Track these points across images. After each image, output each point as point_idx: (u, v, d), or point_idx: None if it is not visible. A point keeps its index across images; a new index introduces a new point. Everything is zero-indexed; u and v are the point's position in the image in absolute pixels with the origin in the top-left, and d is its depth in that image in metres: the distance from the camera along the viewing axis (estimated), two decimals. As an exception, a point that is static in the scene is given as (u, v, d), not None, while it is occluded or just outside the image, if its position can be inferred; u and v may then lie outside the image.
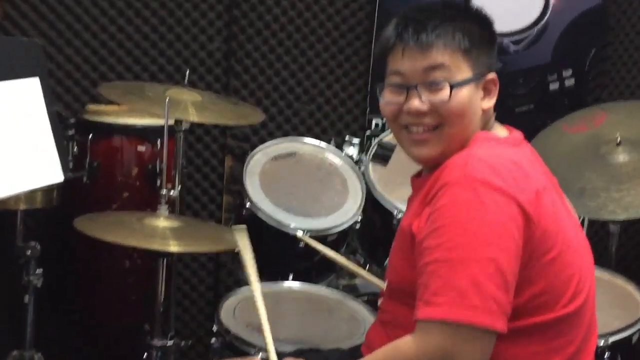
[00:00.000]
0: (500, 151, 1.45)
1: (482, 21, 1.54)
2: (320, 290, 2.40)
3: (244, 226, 2.07)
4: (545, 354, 1.43)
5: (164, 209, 2.20)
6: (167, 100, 2.17)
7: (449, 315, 1.32)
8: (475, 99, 1.50)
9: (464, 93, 1.48)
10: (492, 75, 1.52)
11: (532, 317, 1.41)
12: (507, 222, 1.34)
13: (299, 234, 2.40)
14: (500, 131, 1.57)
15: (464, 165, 1.39)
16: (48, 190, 2.40)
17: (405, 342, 1.39)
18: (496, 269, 1.32)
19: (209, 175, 3.15)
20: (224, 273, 3.15)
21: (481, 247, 1.33)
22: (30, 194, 2.35)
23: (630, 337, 2.17)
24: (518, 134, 1.58)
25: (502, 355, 1.40)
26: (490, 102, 1.52)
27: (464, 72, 1.48)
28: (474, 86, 1.49)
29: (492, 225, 1.33)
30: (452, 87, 1.47)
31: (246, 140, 3.12)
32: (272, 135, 3.11)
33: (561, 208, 1.49)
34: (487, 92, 1.52)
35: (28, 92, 1.91)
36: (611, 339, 2.12)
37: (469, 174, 1.37)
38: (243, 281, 2.57)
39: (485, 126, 1.54)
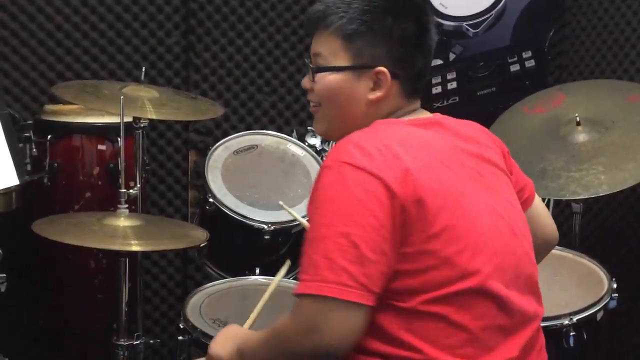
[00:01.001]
0: (378, 133, 1.50)
1: (385, 15, 1.55)
2: (287, 283, 2.40)
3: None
4: (445, 330, 1.44)
5: (124, 208, 2.18)
6: (121, 98, 2.15)
7: (307, 290, 1.38)
8: (352, 87, 1.56)
9: (331, 79, 1.57)
10: (380, 69, 1.55)
11: (425, 292, 1.42)
12: (367, 199, 1.38)
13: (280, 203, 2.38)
14: (417, 117, 1.60)
15: (337, 149, 1.46)
16: (6, 193, 2.37)
17: (285, 317, 1.45)
18: (350, 243, 1.36)
19: (173, 171, 3.13)
20: (192, 268, 3.13)
21: (337, 223, 1.38)
22: (-12, 199, 2.32)
23: (594, 314, 2.19)
24: (428, 117, 1.60)
25: (403, 332, 1.43)
26: (377, 94, 1.56)
27: (341, 60, 1.56)
28: (353, 75, 1.56)
29: (350, 202, 1.39)
30: (316, 72, 1.58)
31: (209, 134, 3.10)
32: (234, 128, 3.10)
33: (461, 184, 1.49)
34: (377, 84, 1.56)
35: (-23, 96, 1.88)
36: (576, 318, 2.14)
37: (338, 157, 1.43)
38: (212, 276, 2.57)
39: (386, 116, 1.58)
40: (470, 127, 1.64)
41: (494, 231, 1.50)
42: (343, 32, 1.55)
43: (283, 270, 2.02)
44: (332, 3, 1.57)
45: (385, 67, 1.54)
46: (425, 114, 1.63)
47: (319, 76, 1.58)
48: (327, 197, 1.41)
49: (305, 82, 1.63)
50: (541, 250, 1.73)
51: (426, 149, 1.49)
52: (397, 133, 1.50)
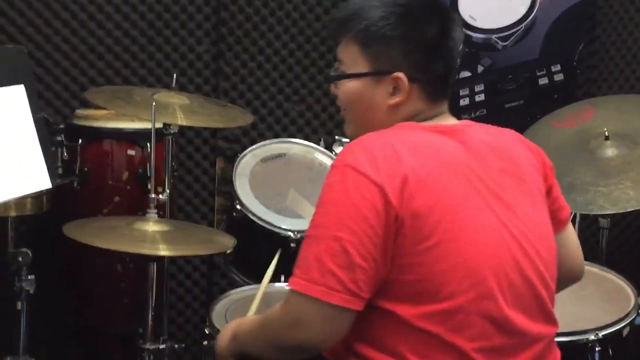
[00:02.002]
0: (390, 138, 1.49)
1: (401, 21, 1.56)
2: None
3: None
4: (436, 348, 1.44)
5: (153, 213, 2.21)
6: (153, 104, 2.17)
7: (296, 286, 1.43)
8: (371, 93, 1.58)
9: (350, 86, 1.59)
10: (397, 74, 1.55)
11: (415, 306, 1.43)
12: (363, 205, 1.40)
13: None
14: (441, 122, 1.60)
15: (346, 150, 1.49)
16: (37, 196, 2.40)
17: (275, 307, 1.51)
18: (341, 248, 1.40)
19: (200, 178, 3.16)
20: (218, 275, 3.15)
21: (331, 226, 1.41)
22: (20, 201, 2.36)
23: (620, 330, 2.17)
24: (452, 125, 1.59)
25: (394, 343, 1.45)
26: (396, 99, 1.56)
27: (360, 67, 1.58)
28: (371, 81, 1.57)
29: (347, 206, 1.41)
30: (335, 80, 1.61)
31: (237, 142, 3.12)
32: (262, 136, 3.12)
33: (467, 198, 1.47)
34: (396, 89, 1.57)
35: (13, 99, 1.90)
36: (602, 333, 2.12)
37: (344, 159, 1.46)
38: (237, 283, 2.58)
39: (408, 120, 1.58)
40: (504, 138, 1.62)
41: (496, 250, 1.47)
42: (361, 39, 1.57)
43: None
44: (352, 10, 1.59)
45: (403, 72, 1.55)
46: (450, 120, 1.62)
47: (340, 83, 1.61)
48: (327, 197, 1.44)
49: (332, 88, 1.66)
50: (563, 279, 1.68)
51: (436, 158, 1.48)
52: (410, 139, 1.50)
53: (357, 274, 1.40)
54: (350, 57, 1.59)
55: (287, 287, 1.45)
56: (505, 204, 1.51)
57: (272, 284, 2.40)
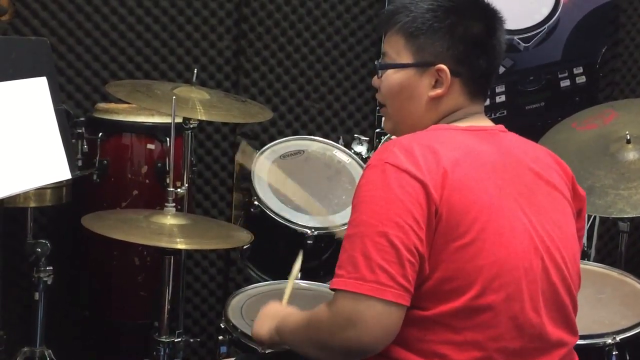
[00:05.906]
0: (426, 138, 1.50)
1: (447, 14, 1.57)
2: (328, 288, 2.40)
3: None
4: (459, 345, 1.44)
5: (171, 207, 2.21)
6: (173, 98, 2.18)
7: (344, 286, 1.40)
8: (414, 84, 1.59)
9: (395, 76, 1.61)
10: (440, 66, 1.56)
11: (443, 302, 1.43)
12: (408, 200, 1.40)
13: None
14: (476, 123, 1.60)
15: (382, 150, 1.48)
16: (57, 187, 2.43)
17: (321, 308, 1.47)
18: (388, 243, 1.38)
19: (218, 173, 3.16)
20: (234, 270, 3.16)
21: (377, 222, 1.40)
22: (39, 192, 2.38)
23: (638, 334, 2.15)
24: (488, 127, 1.61)
25: (417, 340, 1.44)
26: (436, 91, 1.58)
27: (404, 58, 1.60)
28: (415, 72, 1.59)
29: (390, 202, 1.40)
30: (381, 69, 1.63)
31: (256, 138, 3.13)
32: (281, 133, 3.12)
33: (502, 200, 1.48)
34: (438, 81, 1.58)
35: (35, 91, 1.92)
36: (619, 337, 2.10)
37: (382, 157, 1.45)
38: (253, 279, 2.59)
39: (446, 115, 1.60)
40: (536, 149, 1.64)
41: (528, 253, 1.48)
42: (406, 30, 1.59)
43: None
44: (401, 4, 1.61)
45: (446, 65, 1.56)
46: (486, 122, 1.63)
47: (385, 75, 1.63)
48: (368, 195, 1.43)
49: (375, 80, 1.68)
50: None
51: (472, 159, 1.49)
52: (446, 139, 1.51)
53: (407, 268, 1.39)
54: (395, 49, 1.61)
55: (332, 287, 1.42)
56: (536, 209, 1.53)
57: (282, 281, 2.41)
